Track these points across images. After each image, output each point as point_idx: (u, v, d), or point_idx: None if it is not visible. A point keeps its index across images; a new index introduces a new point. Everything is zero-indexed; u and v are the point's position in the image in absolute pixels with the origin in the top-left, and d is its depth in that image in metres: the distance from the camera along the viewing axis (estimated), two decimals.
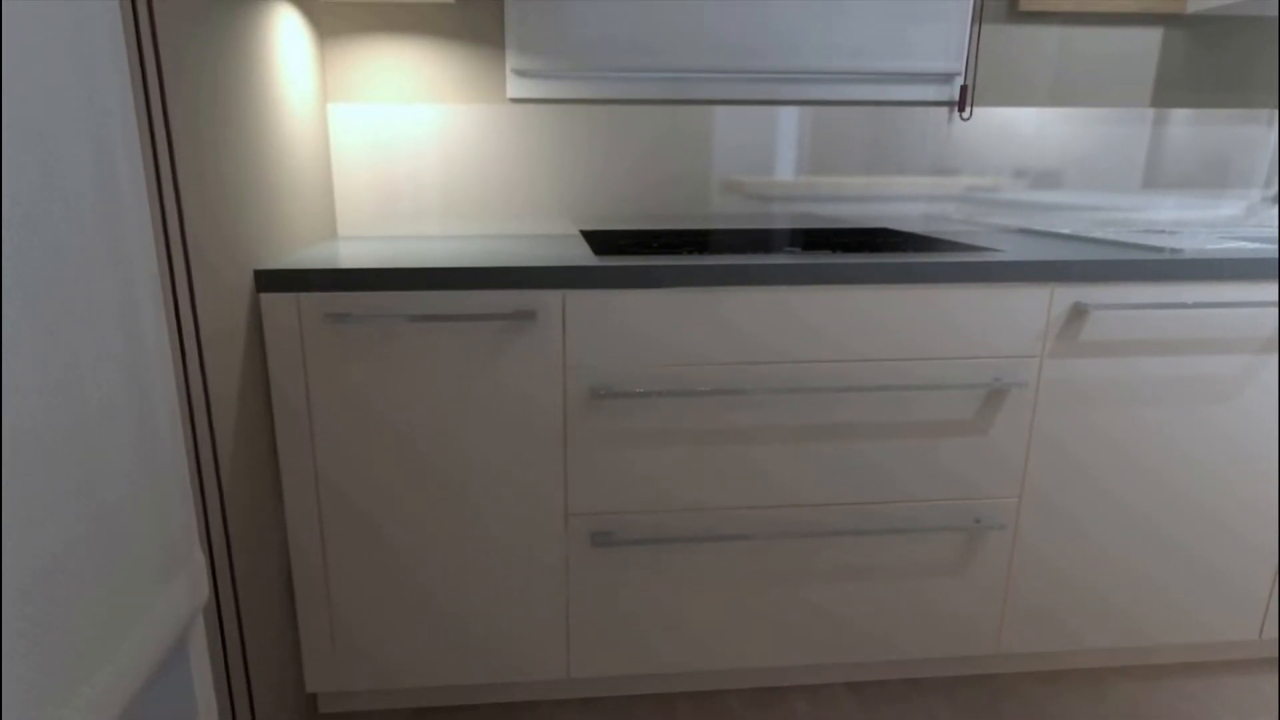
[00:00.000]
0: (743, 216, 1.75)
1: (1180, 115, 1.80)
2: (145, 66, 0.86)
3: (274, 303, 1.19)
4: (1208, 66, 1.78)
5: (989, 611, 1.47)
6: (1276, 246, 1.45)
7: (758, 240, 1.53)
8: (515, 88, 1.62)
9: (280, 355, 1.21)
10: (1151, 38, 1.75)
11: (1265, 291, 1.36)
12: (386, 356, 1.23)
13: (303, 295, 1.20)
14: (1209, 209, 1.86)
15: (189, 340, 0.97)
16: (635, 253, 1.34)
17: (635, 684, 1.51)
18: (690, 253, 1.34)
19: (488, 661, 1.40)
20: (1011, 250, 1.41)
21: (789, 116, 1.71)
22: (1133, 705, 1.48)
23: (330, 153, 1.62)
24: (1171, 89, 1.79)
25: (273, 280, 1.19)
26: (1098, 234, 1.62)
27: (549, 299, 1.24)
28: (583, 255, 1.33)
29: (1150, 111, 1.79)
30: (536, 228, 1.71)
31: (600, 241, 1.50)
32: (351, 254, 1.36)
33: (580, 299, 1.24)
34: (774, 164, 1.73)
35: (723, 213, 1.74)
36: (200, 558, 0.71)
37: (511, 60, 1.60)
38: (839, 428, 1.34)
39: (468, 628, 1.37)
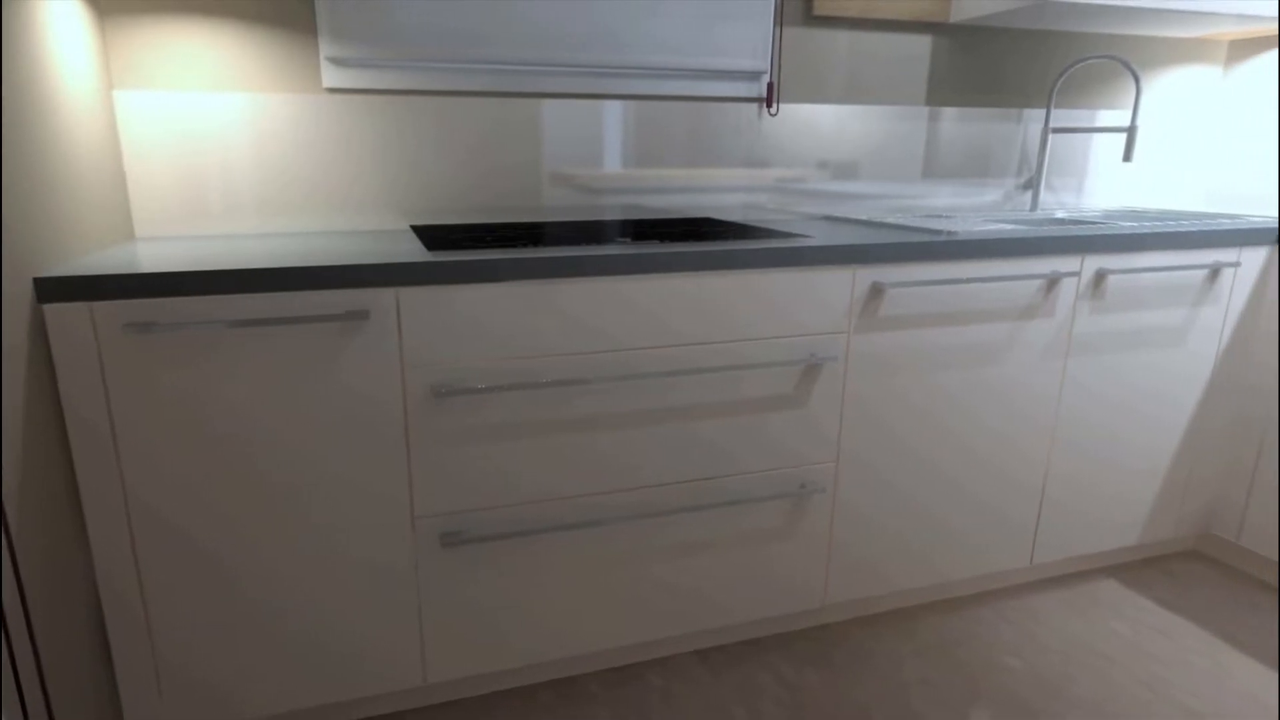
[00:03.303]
0: (573, 208, 1.78)
1: (950, 113, 2.04)
2: None
3: (61, 314, 1.07)
4: (969, 70, 2.03)
5: (816, 568, 1.61)
6: (1030, 227, 1.69)
7: (589, 231, 1.57)
8: (331, 77, 1.54)
9: (72, 372, 1.09)
10: (924, 43, 1.97)
11: (1023, 267, 1.58)
12: (204, 367, 1.14)
13: (96, 304, 1.08)
14: (975, 196, 2.13)
15: None
16: (469, 247, 1.33)
17: (496, 680, 1.51)
18: (524, 245, 1.35)
19: (340, 678, 1.34)
20: (819, 236, 1.54)
21: (614, 110, 1.75)
22: (938, 636, 1.69)
23: (120, 145, 1.46)
24: (942, 89, 2.02)
25: (58, 289, 1.06)
26: (889, 220, 1.81)
27: (382, 297, 1.20)
28: (415, 251, 1.30)
29: (926, 109, 2.01)
30: (363, 223, 1.64)
31: (432, 236, 1.47)
32: (154, 256, 1.24)
33: (415, 296, 1.21)
34: (601, 156, 1.77)
35: (554, 205, 1.76)
36: None
37: (325, 48, 1.52)
38: (675, 410, 1.41)
39: (316, 645, 1.31)
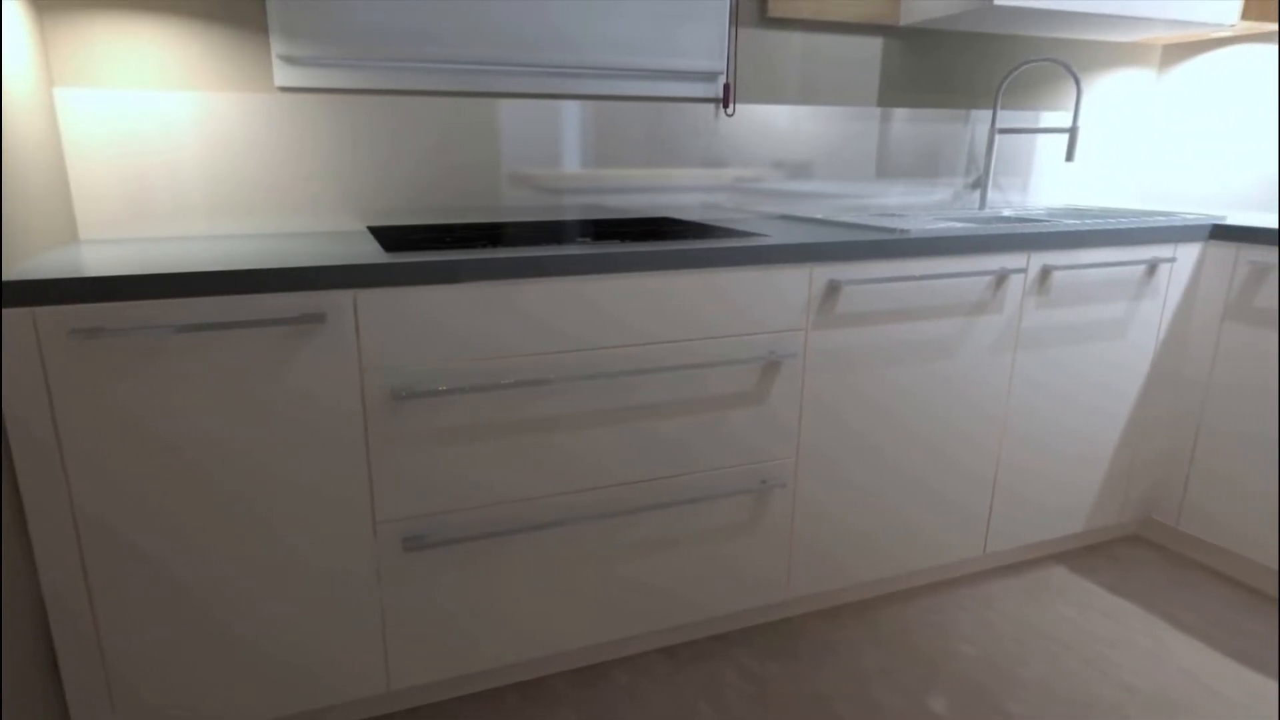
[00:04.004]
0: (533, 209, 1.77)
1: (901, 114, 2.08)
2: None
3: (2, 320, 1.03)
4: (919, 72, 2.08)
5: (778, 562, 1.63)
6: (979, 225, 1.74)
7: (550, 231, 1.57)
8: (284, 76, 1.51)
9: (16, 381, 1.05)
10: (875, 45, 2.01)
11: (973, 264, 1.63)
12: (153, 373, 1.11)
13: (40, 310, 1.04)
14: (926, 194, 2.18)
15: None
16: (428, 248, 1.32)
17: (461, 684, 1.50)
18: (484, 246, 1.35)
19: (302, 688, 1.31)
20: (776, 235, 1.56)
21: (573, 110, 1.75)
22: (897, 625, 1.72)
23: (62, 144, 1.41)
24: (893, 90, 2.06)
25: None
26: (844, 218, 1.84)
27: (339, 299, 1.18)
28: (372, 252, 1.29)
29: (878, 110, 2.05)
30: (318, 224, 1.61)
31: (390, 237, 1.45)
32: (100, 259, 1.21)
33: (373, 298, 1.20)
34: (560, 156, 1.77)
35: (513, 205, 1.75)
36: None
37: (277, 46, 1.49)
38: (637, 409, 1.42)
39: (275, 656, 1.29)
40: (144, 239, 1.48)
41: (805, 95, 1.97)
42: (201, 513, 1.19)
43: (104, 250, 1.32)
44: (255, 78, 1.51)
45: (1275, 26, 2.04)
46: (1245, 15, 2.05)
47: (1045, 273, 1.70)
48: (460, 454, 1.31)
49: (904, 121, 2.09)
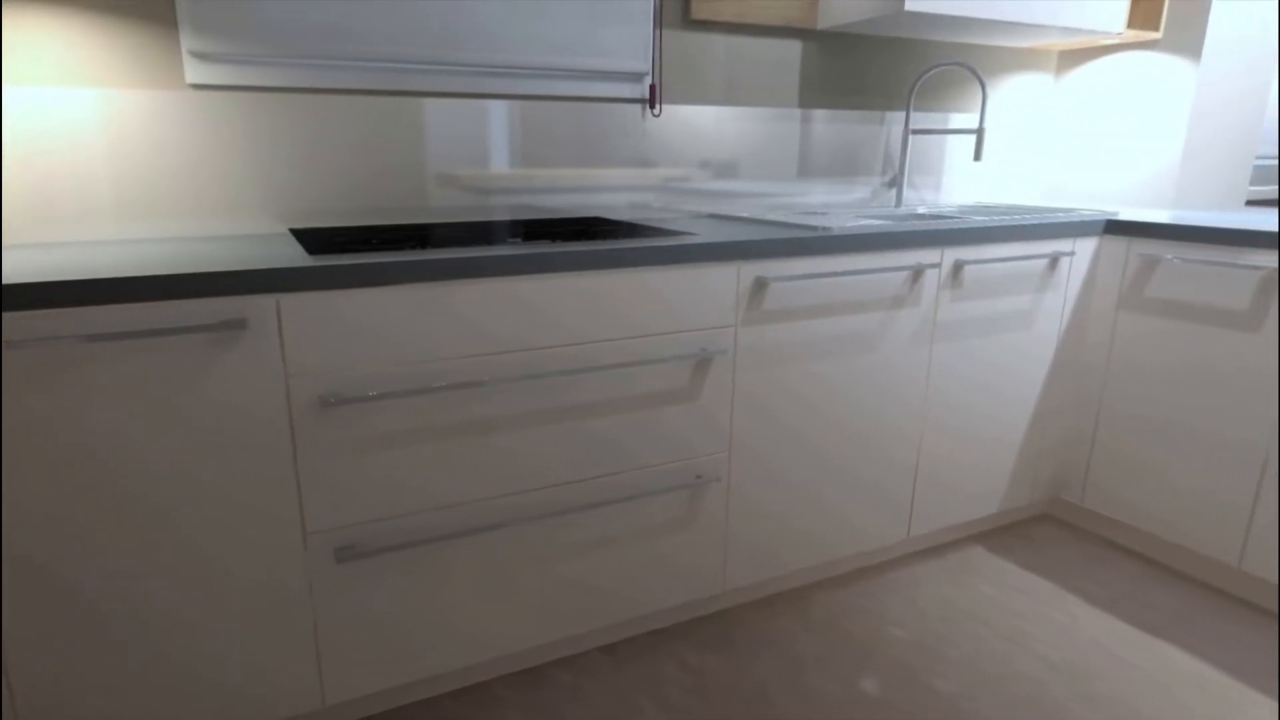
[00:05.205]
0: (461, 209, 1.75)
1: (820, 114, 2.14)
2: None
3: None
4: (836, 74, 2.15)
5: (714, 555, 1.66)
6: (896, 223, 1.81)
7: (479, 232, 1.55)
8: (195, 73, 1.44)
9: None
10: (794, 48, 2.07)
11: (892, 259, 1.69)
12: (64, 385, 1.05)
13: None
14: (846, 193, 2.25)
15: None
16: (354, 250, 1.29)
17: (400, 694, 1.47)
18: (412, 247, 1.32)
19: (232, 708, 1.26)
20: (705, 234, 1.59)
21: (501, 110, 1.74)
22: (830, 611, 1.78)
23: None
24: (812, 92, 2.13)
25: None
26: (769, 217, 1.89)
27: (261, 304, 1.14)
28: (295, 255, 1.25)
29: (799, 111, 2.11)
30: (237, 227, 1.55)
31: (313, 240, 1.41)
32: None
33: (297, 302, 1.16)
34: (489, 156, 1.75)
35: (441, 206, 1.73)
36: None
37: (187, 41, 1.42)
38: (572, 409, 1.42)
39: (205, 676, 1.23)
40: (45, 244, 1.39)
41: (729, 96, 2.01)
42: (121, 530, 1.13)
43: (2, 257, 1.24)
44: (165, 74, 1.44)
45: (1158, 35, 2.20)
46: (1130, 24, 2.20)
47: (958, 267, 1.78)
48: (393, 460, 1.29)
49: (824, 122, 2.15)
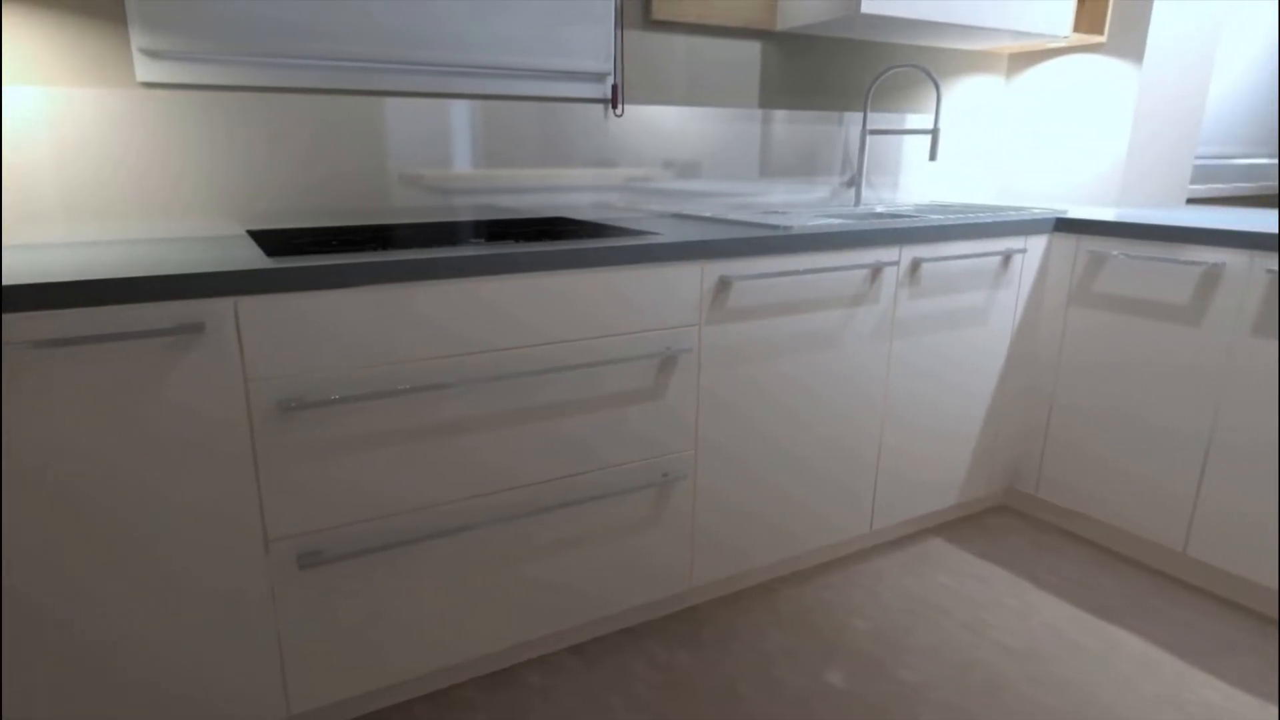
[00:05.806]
0: (423, 209, 1.73)
1: (780, 115, 2.17)
2: None
3: None
4: (796, 75, 2.18)
5: (681, 553, 1.67)
6: (856, 221, 1.84)
7: (442, 233, 1.54)
8: (146, 71, 1.41)
9: None
10: (754, 49, 2.09)
11: (852, 258, 1.72)
12: (15, 391, 1.02)
13: None
14: (806, 192, 2.28)
15: None
16: (314, 252, 1.27)
17: (368, 701, 1.45)
18: (374, 249, 1.31)
19: None
20: (668, 234, 1.60)
21: (463, 110, 1.72)
22: (796, 605, 1.80)
23: None
24: (772, 93, 2.15)
25: None
26: (732, 216, 1.91)
27: (219, 308, 1.12)
28: (253, 257, 1.23)
29: (760, 111, 2.13)
30: (193, 229, 1.51)
31: (272, 241, 1.39)
32: None
33: (256, 305, 1.14)
34: (451, 157, 1.74)
35: (403, 206, 1.71)
36: None
37: (137, 39, 1.39)
38: (538, 409, 1.42)
39: (166, 687, 1.20)
40: None
41: (691, 96, 2.02)
42: (76, 539, 1.10)
43: None
44: (114, 72, 1.40)
45: (1102, 38, 2.27)
46: (1076, 28, 2.26)
47: (915, 265, 1.82)
48: (357, 464, 1.27)
49: (784, 123, 2.18)
